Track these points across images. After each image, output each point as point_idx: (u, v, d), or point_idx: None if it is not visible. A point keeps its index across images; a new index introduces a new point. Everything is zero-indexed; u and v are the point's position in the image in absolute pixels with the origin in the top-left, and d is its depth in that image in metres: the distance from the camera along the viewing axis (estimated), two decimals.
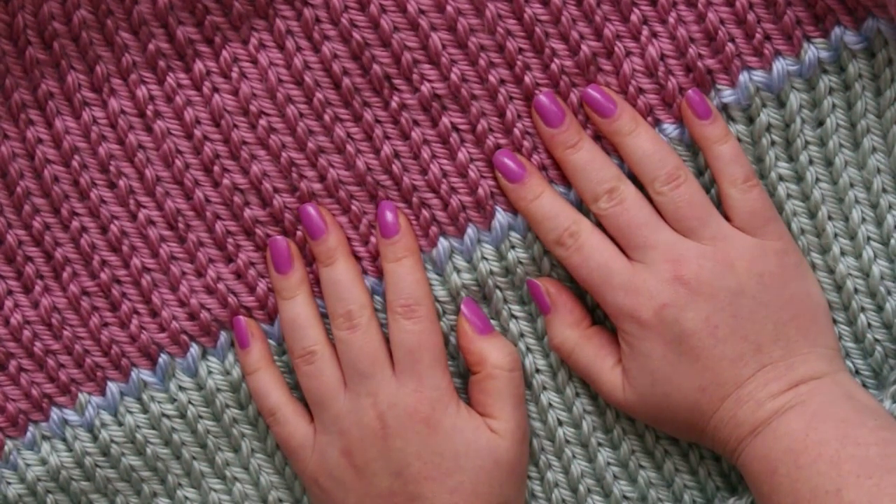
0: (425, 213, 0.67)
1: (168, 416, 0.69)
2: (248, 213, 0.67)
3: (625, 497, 0.69)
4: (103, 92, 0.66)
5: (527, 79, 0.66)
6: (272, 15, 0.65)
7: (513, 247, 0.67)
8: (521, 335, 0.69)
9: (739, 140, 0.66)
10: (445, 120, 0.66)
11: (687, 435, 0.66)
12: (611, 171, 0.65)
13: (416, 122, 0.66)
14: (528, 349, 0.69)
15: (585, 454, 0.69)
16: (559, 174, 0.67)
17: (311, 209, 0.67)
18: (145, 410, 0.69)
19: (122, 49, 0.65)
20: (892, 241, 0.67)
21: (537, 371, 0.69)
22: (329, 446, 0.66)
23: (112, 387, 0.68)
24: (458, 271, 0.68)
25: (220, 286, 0.68)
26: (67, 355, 0.68)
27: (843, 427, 0.60)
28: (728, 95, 0.66)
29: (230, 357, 0.69)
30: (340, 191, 0.67)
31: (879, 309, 0.68)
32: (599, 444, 0.69)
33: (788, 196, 0.67)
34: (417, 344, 0.65)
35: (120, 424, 0.69)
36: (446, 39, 0.65)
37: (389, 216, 0.67)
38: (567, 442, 0.69)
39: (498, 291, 0.68)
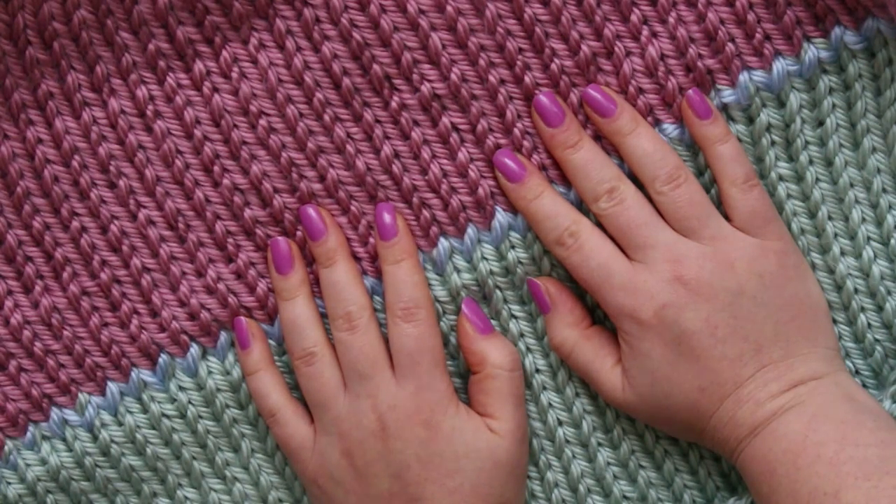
0: (425, 213, 0.67)
1: (168, 416, 0.69)
2: (248, 213, 0.67)
3: (625, 497, 0.69)
4: (103, 92, 0.66)
5: (527, 79, 0.66)
6: (272, 15, 0.65)
7: (513, 247, 0.67)
8: (521, 335, 0.69)
9: (739, 140, 0.66)
10: (445, 120, 0.66)
11: (687, 435, 0.66)
12: (611, 171, 0.65)
13: (416, 122, 0.66)
14: (528, 349, 0.69)
15: (585, 454, 0.69)
16: (559, 174, 0.67)
17: (310, 210, 0.67)
18: (145, 410, 0.69)
19: (122, 49, 0.65)
20: (892, 241, 0.67)
21: (537, 371, 0.69)
22: (329, 448, 0.66)
23: (112, 387, 0.68)
24: (458, 271, 0.68)
25: (221, 286, 0.68)
26: (67, 355, 0.68)
27: (843, 428, 0.60)
28: (728, 95, 0.66)
29: (230, 357, 0.69)
30: (340, 191, 0.67)
31: (879, 309, 0.68)
32: (599, 444, 0.69)
33: (788, 196, 0.67)
34: (417, 347, 0.65)
35: (120, 424, 0.69)
36: (446, 39, 0.65)
37: (387, 218, 0.67)
38: (567, 442, 0.69)
39: (498, 291, 0.68)
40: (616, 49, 0.66)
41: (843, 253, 0.67)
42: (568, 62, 0.66)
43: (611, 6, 0.65)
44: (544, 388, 0.69)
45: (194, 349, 0.68)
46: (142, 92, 0.66)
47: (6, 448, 0.69)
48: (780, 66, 0.65)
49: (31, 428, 0.69)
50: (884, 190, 0.67)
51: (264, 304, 0.68)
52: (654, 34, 0.65)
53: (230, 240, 0.68)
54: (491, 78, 0.66)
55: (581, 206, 0.66)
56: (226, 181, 0.67)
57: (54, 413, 0.69)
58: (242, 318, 0.68)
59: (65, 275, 0.68)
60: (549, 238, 0.66)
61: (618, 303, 0.64)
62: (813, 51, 0.65)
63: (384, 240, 0.66)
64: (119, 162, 0.67)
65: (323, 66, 0.66)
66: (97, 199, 0.67)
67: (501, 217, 0.67)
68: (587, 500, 0.69)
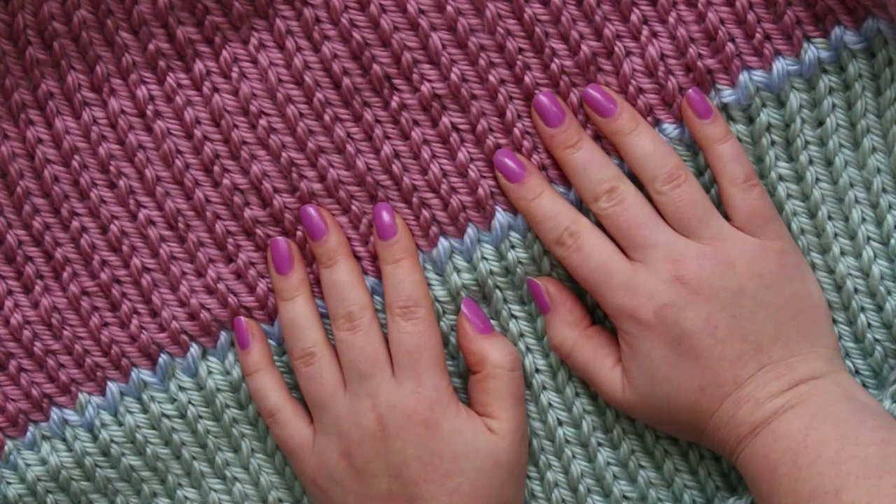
0: (425, 213, 0.67)
1: (168, 416, 0.69)
2: (248, 213, 0.67)
3: (625, 497, 0.69)
4: (103, 92, 0.66)
5: (527, 79, 0.66)
6: (272, 15, 0.65)
7: (513, 247, 0.67)
8: (521, 335, 0.69)
9: (739, 140, 0.66)
10: (445, 120, 0.66)
11: (687, 435, 0.66)
12: (610, 170, 0.65)
13: (416, 122, 0.66)
14: (528, 349, 0.69)
15: (585, 454, 0.69)
16: (559, 174, 0.67)
17: (311, 210, 0.67)
18: (145, 410, 0.69)
19: (122, 49, 0.65)
20: (892, 241, 0.67)
21: (537, 371, 0.69)
22: (328, 447, 0.66)
23: (112, 387, 0.68)
24: (458, 271, 0.68)
25: (220, 286, 0.68)
26: (67, 355, 0.68)
27: (843, 427, 0.60)
28: (728, 95, 0.66)
29: (230, 357, 0.69)
30: (340, 191, 0.67)
31: (879, 309, 0.68)
32: (599, 444, 0.69)
33: (788, 196, 0.67)
34: (416, 345, 0.65)
35: (120, 424, 0.69)
36: (446, 39, 0.65)
37: (386, 217, 0.67)
38: (567, 442, 0.69)
39: (498, 291, 0.68)
40: (616, 49, 0.66)
41: (843, 253, 0.67)
42: (568, 62, 0.66)
43: (611, 6, 0.65)
44: (544, 388, 0.69)
45: (194, 349, 0.68)
46: (142, 92, 0.66)
47: (6, 448, 0.69)
48: (780, 65, 0.65)
49: (31, 428, 0.69)
50: (884, 190, 0.67)
51: (264, 304, 0.68)
52: (654, 34, 0.66)
53: (230, 240, 0.68)
54: (491, 78, 0.66)
55: (581, 206, 0.66)
56: (226, 181, 0.67)
57: (54, 413, 0.69)
58: (242, 318, 0.68)
59: (65, 275, 0.68)
60: (548, 238, 0.66)
61: (617, 303, 0.64)
62: (813, 51, 0.65)
63: (383, 239, 0.66)
64: (119, 162, 0.67)
65: (323, 66, 0.66)
66: (97, 199, 0.67)
67: (501, 217, 0.67)
68: (587, 500, 0.69)
